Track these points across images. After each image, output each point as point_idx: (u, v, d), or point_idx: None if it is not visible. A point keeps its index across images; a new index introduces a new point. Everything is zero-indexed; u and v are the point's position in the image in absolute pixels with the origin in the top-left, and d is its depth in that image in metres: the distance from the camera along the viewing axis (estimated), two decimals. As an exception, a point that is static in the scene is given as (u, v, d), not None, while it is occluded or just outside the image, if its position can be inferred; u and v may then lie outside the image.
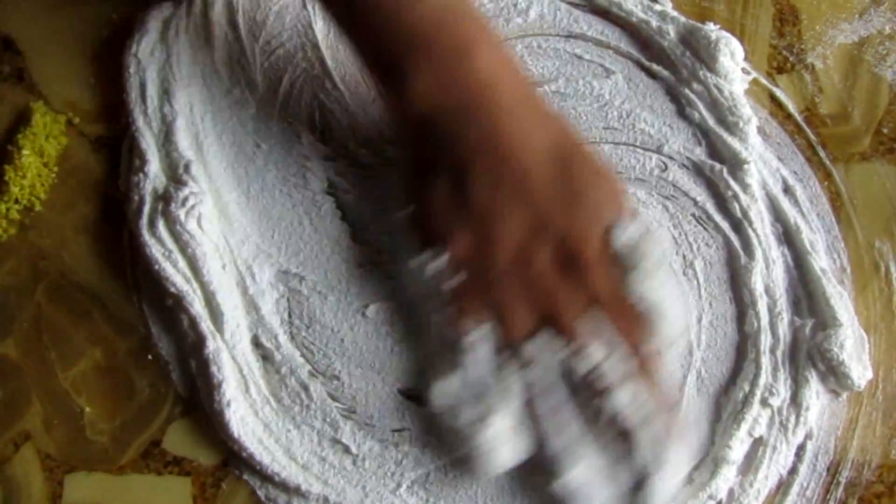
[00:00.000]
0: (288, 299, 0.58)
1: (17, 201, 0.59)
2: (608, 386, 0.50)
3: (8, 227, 0.59)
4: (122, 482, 0.56)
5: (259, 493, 0.55)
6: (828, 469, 0.55)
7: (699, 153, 0.59)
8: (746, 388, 0.55)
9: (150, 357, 0.57)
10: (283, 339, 0.57)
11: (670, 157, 0.59)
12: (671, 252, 0.58)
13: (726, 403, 0.55)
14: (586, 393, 0.51)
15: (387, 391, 0.56)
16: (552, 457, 0.51)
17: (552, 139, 0.53)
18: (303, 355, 0.57)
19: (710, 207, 0.59)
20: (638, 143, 0.60)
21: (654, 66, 0.61)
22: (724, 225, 0.58)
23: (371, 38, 0.54)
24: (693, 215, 0.59)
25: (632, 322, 0.52)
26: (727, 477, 0.54)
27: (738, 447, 0.54)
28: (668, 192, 0.59)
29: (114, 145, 0.61)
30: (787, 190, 0.59)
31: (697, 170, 0.59)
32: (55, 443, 0.56)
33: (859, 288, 0.57)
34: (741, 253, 0.57)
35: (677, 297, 0.56)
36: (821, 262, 0.57)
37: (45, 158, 0.60)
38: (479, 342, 0.52)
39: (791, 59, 0.61)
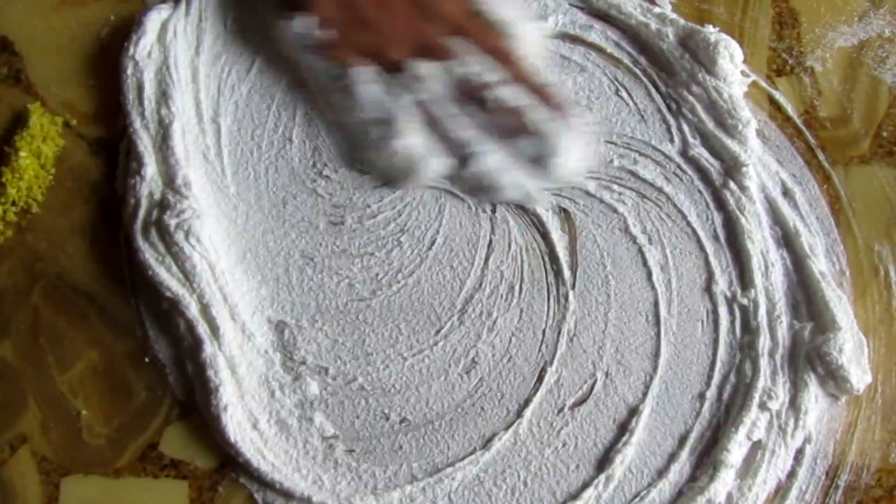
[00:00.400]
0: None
1: (13, 203, 0.59)
2: (491, 85, 0.56)
3: (5, 229, 0.59)
4: (119, 485, 0.56)
5: (256, 496, 0.55)
6: (826, 473, 0.55)
7: (697, 155, 0.59)
8: (728, 385, 0.56)
9: (147, 360, 0.57)
10: (276, 348, 0.57)
11: (668, 159, 0.59)
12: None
13: (712, 402, 0.55)
14: (474, 102, 0.57)
15: (379, 412, 0.56)
16: (461, 155, 0.57)
17: None
18: (296, 368, 0.57)
19: (704, 210, 0.59)
20: (631, 146, 0.60)
21: (651, 69, 0.61)
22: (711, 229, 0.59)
23: None
24: (672, 216, 0.59)
25: (496, 38, 0.58)
26: (726, 480, 0.54)
27: (736, 451, 0.54)
28: (653, 194, 0.59)
29: (111, 147, 0.61)
30: (786, 193, 0.59)
31: (695, 172, 0.59)
32: (52, 446, 0.56)
33: (858, 291, 0.57)
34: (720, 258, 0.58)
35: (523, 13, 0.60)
36: (820, 265, 0.57)
37: (42, 160, 0.60)
38: (363, 74, 0.57)
39: (790, 61, 0.61)
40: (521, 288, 0.58)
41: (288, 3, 0.58)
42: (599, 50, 0.61)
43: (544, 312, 0.57)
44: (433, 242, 0.58)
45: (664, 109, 0.60)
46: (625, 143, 0.60)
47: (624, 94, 0.61)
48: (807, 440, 0.55)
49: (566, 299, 0.57)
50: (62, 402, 0.57)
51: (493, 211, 0.59)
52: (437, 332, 0.57)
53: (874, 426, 0.55)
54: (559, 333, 0.57)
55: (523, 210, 0.59)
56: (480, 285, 0.58)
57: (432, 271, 0.58)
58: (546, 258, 0.58)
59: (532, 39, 0.60)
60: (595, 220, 0.59)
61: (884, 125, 0.60)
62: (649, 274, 0.58)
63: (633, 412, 0.55)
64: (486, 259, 0.58)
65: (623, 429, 0.55)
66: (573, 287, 0.57)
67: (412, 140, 0.57)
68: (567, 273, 0.58)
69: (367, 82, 0.57)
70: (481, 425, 0.56)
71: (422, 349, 0.57)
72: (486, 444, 0.55)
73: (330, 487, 0.55)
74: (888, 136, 0.60)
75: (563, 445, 0.55)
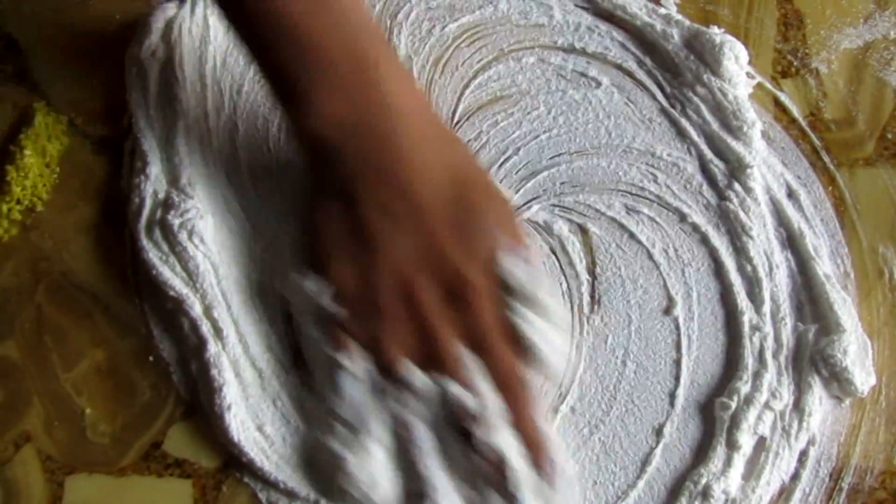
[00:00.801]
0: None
1: (18, 202, 0.59)
2: (480, 426, 0.49)
3: (9, 227, 0.59)
4: (123, 484, 0.56)
5: (260, 496, 0.55)
6: (830, 475, 0.55)
7: (702, 157, 0.59)
8: (742, 395, 0.55)
9: (151, 358, 0.57)
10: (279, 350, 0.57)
11: (674, 164, 0.59)
12: (556, 290, 0.57)
13: (721, 412, 0.55)
14: (455, 431, 0.50)
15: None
16: (416, 489, 0.51)
17: (450, 164, 0.52)
18: (297, 374, 0.56)
19: (711, 212, 0.59)
20: (634, 150, 0.60)
21: (656, 71, 0.61)
22: (721, 232, 0.58)
23: (271, 57, 0.52)
24: (688, 221, 0.59)
25: (514, 354, 0.51)
26: (734, 479, 0.54)
27: (746, 442, 0.54)
28: (666, 199, 0.59)
29: (116, 146, 0.61)
30: (790, 195, 0.59)
31: (700, 174, 0.59)
32: (56, 444, 0.56)
33: (863, 293, 0.57)
34: (736, 261, 0.58)
35: (557, 340, 0.53)
36: (824, 267, 0.57)
37: (46, 159, 0.60)
38: (353, 369, 0.51)
39: (795, 63, 0.61)
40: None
41: (308, 260, 0.54)
42: (617, 67, 0.61)
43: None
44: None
45: (676, 115, 0.60)
46: (644, 161, 0.60)
47: (633, 107, 0.61)
48: (811, 442, 0.55)
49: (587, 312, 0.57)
50: (66, 400, 0.57)
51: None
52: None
53: (878, 428, 0.55)
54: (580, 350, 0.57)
55: (543, 230, 0.59)
56: None
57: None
58: (565, 275, 0.58)
59: (549, 370, 0.53)
60: (615, 241, 0.58)
61: (889, 127, 0.60)
62: (665, 283, 0.58)
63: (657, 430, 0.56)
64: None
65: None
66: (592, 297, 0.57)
67: (371, 461, 0.51)
68: (585, 291, 0.58)
69: (354, 374, 0.52)
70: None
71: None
72: None
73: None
74: (893, 139, 0.60)
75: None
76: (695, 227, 0.58)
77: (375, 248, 0.51)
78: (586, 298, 0.57)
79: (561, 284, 0.57)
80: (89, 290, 0.59)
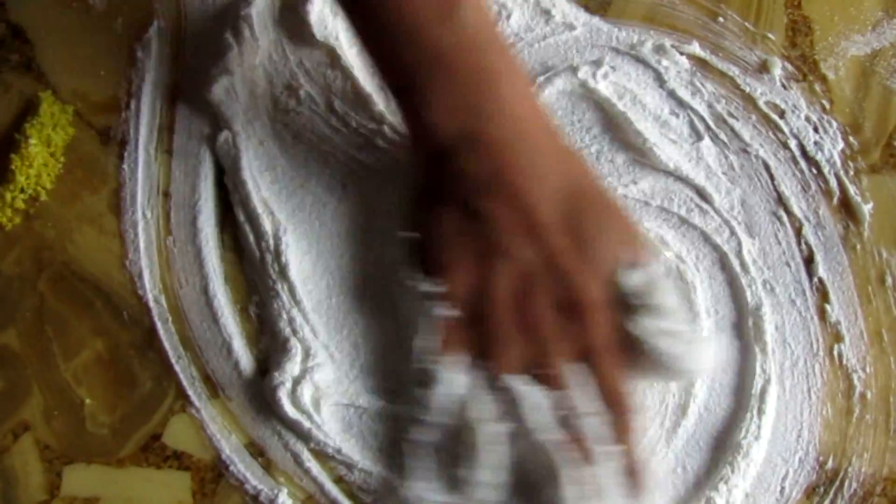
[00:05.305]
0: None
1: (22, 190, 0.59)
2: (583, 438, 0.49)
3: (13, 216, 0.59)
4: (121, 475, 0.55)
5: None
6: (831, 482, 0.55)
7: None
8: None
9: (152, 350, 0.57)
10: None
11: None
12: (681, 298, 0.55)
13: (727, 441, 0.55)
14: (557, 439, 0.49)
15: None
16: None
17: (568, 178, 0.52)
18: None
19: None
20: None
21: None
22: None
23: (392, 57, 0.52)
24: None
25: (623, 371, 0.51)
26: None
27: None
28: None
29: (121, 138, 0.61)
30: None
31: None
32: (55, 434, 0.56)
33: (865, 299, 0.57)
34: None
35: (684, 339, 0.52)
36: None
37: (51, 148, 0.60)
38: (457, 375, 0.51)
39: (803, 69, 0.61)
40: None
41: (424, 264, 0.53)
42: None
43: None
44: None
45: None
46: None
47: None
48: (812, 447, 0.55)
49: None
50: (66, 390, 0.57)
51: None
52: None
53: (880, 435, 0.55)
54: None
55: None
56: None
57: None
58: None
59: (691, 371, 0.53)
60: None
61: (895, 135, 0.60)
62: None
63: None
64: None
65: None
66: None
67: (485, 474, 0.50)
68: None
69: (458, 375, 0.51)
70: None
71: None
72: None
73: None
74: (899, 146, 0.60)
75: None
76: None
77: (494, 259, 0.51)
78: None
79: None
80: (91, 280, 0.58)
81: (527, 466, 0.50)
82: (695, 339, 0.53)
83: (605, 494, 0.49)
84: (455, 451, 0.51)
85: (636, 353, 0.51)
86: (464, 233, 0.51)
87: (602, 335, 0.51)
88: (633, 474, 0.50)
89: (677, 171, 0.58)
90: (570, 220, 0.51)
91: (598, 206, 0.53)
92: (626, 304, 0.51)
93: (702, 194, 0.58)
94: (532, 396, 0.50)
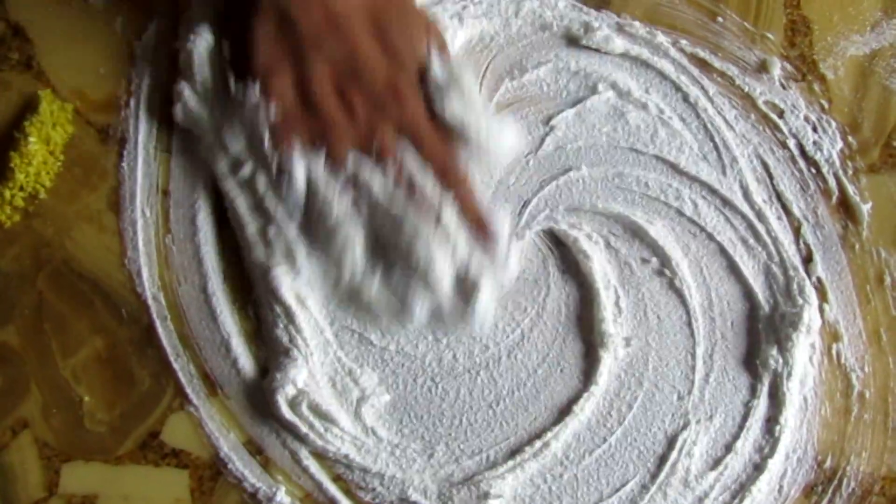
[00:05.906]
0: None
1: (21, 188, 0.59)
2: (424, 198, 0.54)
3: (12, 213, 0.59)
4: (120, 473, 0.55)
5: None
6: (829, 481, 0.55)
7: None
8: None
9: (150, 347, 0.57)
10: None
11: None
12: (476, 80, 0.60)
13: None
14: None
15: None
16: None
17: None
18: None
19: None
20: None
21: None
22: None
23: None
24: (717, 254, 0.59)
25: (444, 151, 0.56)
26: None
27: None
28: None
29: (120, 136, 0.61)
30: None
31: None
32: (53, 431, 0.56)
33: (863, 299, 0.57)
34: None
35: (483, 121, 0.57)
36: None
37: (51, 146, 0.60)
38: (305, 157, 0.55)
39: (802, 69, 0.61)
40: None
41: (243, 72, 0.57)
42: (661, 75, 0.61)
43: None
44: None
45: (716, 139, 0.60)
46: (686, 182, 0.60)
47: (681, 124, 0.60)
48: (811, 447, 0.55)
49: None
50: (65, 388, 0.57)
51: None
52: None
53: (878, 435, 0.55)
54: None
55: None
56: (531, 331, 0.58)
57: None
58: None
59: (497, 146, 0.57)
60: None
61: (894, 135, 0.60)
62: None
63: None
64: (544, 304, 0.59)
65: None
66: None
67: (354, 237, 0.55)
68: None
69: (308, 165, 0.55)
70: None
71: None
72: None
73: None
74: (898, 146, 0.60)
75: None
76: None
77: (307, 54, 0.56)
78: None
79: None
80: (90, 278, 0.58)
81: (382, 243, 0.55)
82: (496, 118, 0.59)
83: (456, 241, 0.54)
84: (315, 234, 0.55)
85: (451, 139, 0.56)
86: (277, 37, 0.56)
87: (417, 113, 0.56)
88: (476, 221, 0.55)
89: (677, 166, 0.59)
90: (374, 18, 0.56)
91: (399, 5, 0.58)
92: (435, 91, 0.56)
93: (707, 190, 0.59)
94: (367, 166, 0.54)
